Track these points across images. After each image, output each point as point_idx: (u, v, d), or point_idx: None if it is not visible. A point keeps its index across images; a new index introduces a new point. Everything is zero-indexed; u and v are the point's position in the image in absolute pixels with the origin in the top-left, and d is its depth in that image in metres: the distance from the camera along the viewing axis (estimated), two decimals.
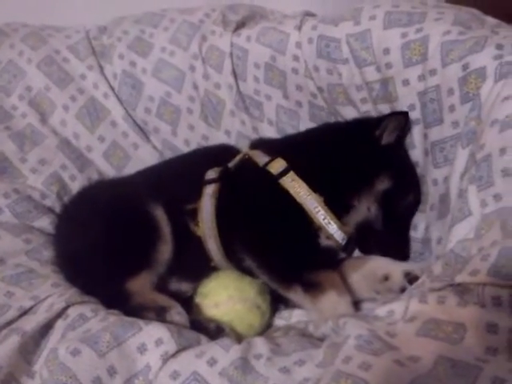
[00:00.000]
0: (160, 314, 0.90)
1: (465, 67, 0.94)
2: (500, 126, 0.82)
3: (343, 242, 1.03)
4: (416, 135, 1.06)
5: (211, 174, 1.09)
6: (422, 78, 1.01)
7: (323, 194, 1.01)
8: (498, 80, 0.89)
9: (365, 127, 1.09)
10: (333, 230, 1.01)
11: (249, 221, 1.03)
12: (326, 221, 1.01)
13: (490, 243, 0.69)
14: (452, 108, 0.97)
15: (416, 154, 1.08)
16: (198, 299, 0.99)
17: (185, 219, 1.06)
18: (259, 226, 1.02)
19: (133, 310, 0.91)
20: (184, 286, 1.05)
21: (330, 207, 1.01)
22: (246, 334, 0.91)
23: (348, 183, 1.05)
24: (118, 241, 1.00)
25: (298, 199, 1.01)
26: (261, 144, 1.17)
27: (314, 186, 1.01)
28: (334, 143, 1.09)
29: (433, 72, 0.99)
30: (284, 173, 1.03)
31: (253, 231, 1.02)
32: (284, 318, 1.02)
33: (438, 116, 1.00)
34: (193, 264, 1.05)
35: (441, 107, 0.99)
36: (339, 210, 1.03)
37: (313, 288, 0.93)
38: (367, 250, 1.08)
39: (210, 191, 1.06)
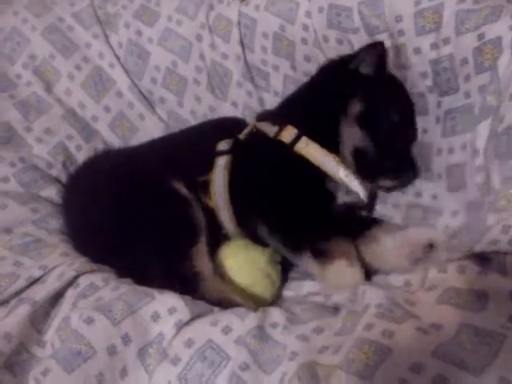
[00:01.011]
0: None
1: (480, 37, 0.93)
2: None
3: (366, 199, 1.03)
4: (430, 102, 1.05)
5: (223, 145, 1.09)
6: (434, 46, 1.00)
7: (331, 147, 1.02)
8: None
9: (343, 62, 1.07)
10: (356, 186, 1.01)
11: (264, 190, 1.01)
12: (347, 178, 1.01)
13: (510, 216, 0.69)
14: (467, 78, 0.96)
15: (427, 120, 1.06)
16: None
17: (197, 191, 1.04)
18: (275, 194, 1.01)
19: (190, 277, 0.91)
20: None
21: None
22: (257, 303, 0.90)
23: (333, 120, 1.05)
24: (161, 218, 0.97)
25: (316, 162, 1.01)
26: (266, 115, 1.15)
27: (325, 143, 1.02)
28: (321, 88, 1.09)
29: (446, 41, 0.98)
30: (297, 139, 1.03)
31: (269, 199, 1.01)
32: (293, 290, 1.00)
33: (452, 85, 0.99)
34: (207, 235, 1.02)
35: (455, 76, 0.98)
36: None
37: (322, 256, 0.92)
38: (373, 179, 1.05)
39: (222, 163, 1.05)
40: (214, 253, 1.00)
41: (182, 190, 1.02)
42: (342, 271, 0.91)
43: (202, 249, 0.96)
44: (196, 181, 1.05)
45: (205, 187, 1.05)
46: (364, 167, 1.03)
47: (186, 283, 0.89)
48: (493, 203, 0.79)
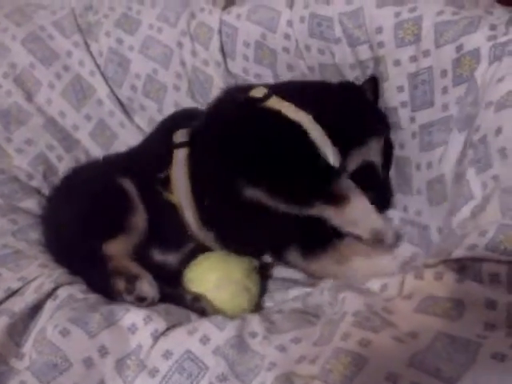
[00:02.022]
0: (130, 281, 0.88)
1: (459, 48, 0.93)
2: (495, 107, 0.81)
3: (337, 164, 1.01)
4: (403, 117, 1.05)
5: (180, 136, 1.05)
6: (413, 59, 1.00)
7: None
8: (492, 62, 0.88)
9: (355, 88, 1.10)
10: (328, 148, 0.99)
11: (250, 153, 0.96)
12: (322, 138, 0.99)
13: (487, 222, 0.69)
14: (444, 90, 0.96)
15: (403, 135, 1.07)
16: (186, 284, 0.98)
17: (158, 188, 1.02)
18: (263, 155, 0.96)
19: (106, 274, 0.89)
20: (169, 258, 1.03)
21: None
22: (237, 315, 0.90)
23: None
24: (93, 211, 0.98)
25: (292, 116, 0.98)
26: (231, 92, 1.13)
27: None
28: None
29: (426, 53, 0.98)
30: (268, 96, 1.01)
31: (258, 162, 0.96)
32: (275, 301, 1.01)
33: (428, 98, 0.99)
34: (172, 233, 1.02)
35: (432, 89, 0.98)
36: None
37: (337, 199, 0.93)
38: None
39: (180, 156, 1.02)
40: (176, 252, 1.01)
41: (128, 190, 1.01)
42: (362, 208, 0.92)
43: (118, 241, 0.96)
44: (156, 178, 1.03)
45: (166, 183, 1.02)
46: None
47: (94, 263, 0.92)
48: (472, 210, 0.80)
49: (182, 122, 1.11)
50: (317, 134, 0.98)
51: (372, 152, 1.07)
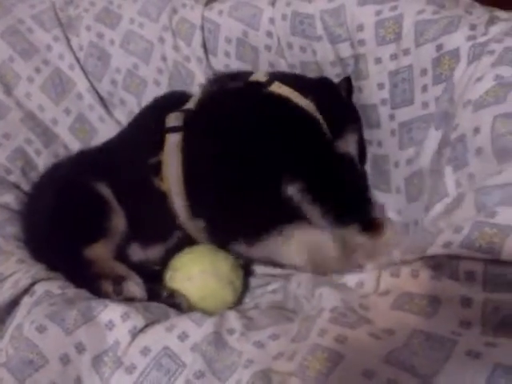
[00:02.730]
0: (117, 283, 0.87)
1: (438, 48, 0.94)
2: (473, 107, 0.82)
3: None
4: (382, 115, 1.06)
5: (173, 120, 1.01)
6: (394, 57, 1.01)
7: None
8: (471, 61, 0.89)
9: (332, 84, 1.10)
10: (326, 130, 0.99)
11: (261, 140, 0.94)
12: (325, 126, 0.99)
13: (462, 218, 0.70)
14: (424, 88, 0.97)
15: (381, 133, 1.07)
16: (170, 272, 0.97)
17: (148, 175, 0.99)
18: (276, 141, 0.93)
19: (91, 279, 0.89)
20: (151, 252, 1.02)
21: None
22: (218, 310, 0.89)
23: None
24: (71, 215, 0.96)
25: (301, 102, 0.99)
26: (222, 79, 1.12)
27: None
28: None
29: (406, 51, 0.99)
30: (270, 81, 1.01)
31: (272, 149, 0.94)
32: (253, 296, 1.01)
33: (408, 96, 1.00)
34: (157, 225, 1.00)
35: (412, 88, 0.99)
36: None
37: (369, 227, 0.91)
38: None
39: (173, 141, 0.98)
40: (160, 245, 1.00)
41: (98, 189, 0.99)
42: (392, 240, 0.89)
43: (99, 245, 0.95)
44: (146, 164, 1.00)
45: (157, 169, 0.99)
46: None
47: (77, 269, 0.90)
48: (446, 207, 0.80)
49: (171, 105, 1.07)
50: (320, 118, 1.00)
51: (349, 145, 1.08)
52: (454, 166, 0.81)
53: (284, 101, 1.00)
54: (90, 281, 0.88)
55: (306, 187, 0.92)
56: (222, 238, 0.98)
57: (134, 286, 0.88)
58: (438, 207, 0.81)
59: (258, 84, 1.02)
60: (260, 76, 1.03)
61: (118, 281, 0.88)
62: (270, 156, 0.94)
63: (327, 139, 1.01)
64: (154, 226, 1.00)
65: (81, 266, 0.91)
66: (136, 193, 1.00)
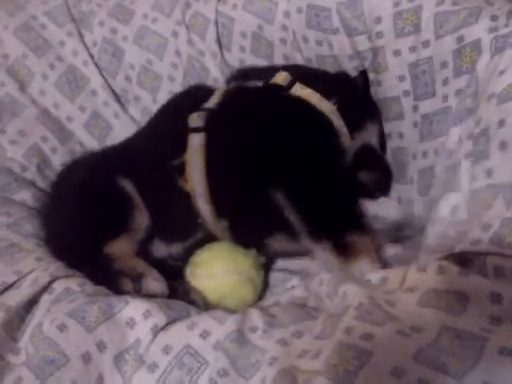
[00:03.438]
0: (136, 281, 0.88)
1: (459, 40, 0.93)
2: (497, 100, 0.80)
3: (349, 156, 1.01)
4: (406, 107, 1.04)
5: (195, 120, 1.01)
6: (413, 49, 0.99)
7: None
8: (494, 54, 0.88)
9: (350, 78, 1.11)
10: (345, 136, 1.00)
11: (275, 149, 0.94)
12: (341, 127, 0.99)
13: (491, 216, 0.69)
14: (445, 81, 0.96)
15: (403, 125, 1.06)
16: (190, 268, 0.96)
17: (171, 175, 0.99)
18: (292, 148, 0.93)
19: (110, 276, 0.89)
20: (173, 249, 1.02)
21: None
22: (238, 307, 0.89)
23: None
24: (94, 213, 0.97)
25: (317, 105, 0.98)
26: (244, 75, 1.12)
27: None
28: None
29: (426, 44, 0.97)
30: (292, 83, 1.00)
31: (287, 155, 0.94)
32: (274, 294, 1.00)
33: (430, 89, 0.98)
34: (181, 221, 1.01)
35: (433, 80, 0.98)
36: None
37: (344, 250, 0.89)
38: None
39: (196, 141, 0.98)
40: (182, 242, 1.00)
41: (123, 186, 1.00)
42: (365, 269, 0.87)
43: (121, 241, 0.95)
44: (170, 165, 0.99)
45: (181, 170, 0.98)
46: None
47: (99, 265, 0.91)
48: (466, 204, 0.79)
49: (192, 101, 1.07)
50: (339, 123, 0.99)
51: (371, 135, 1.08)
52: (473, 160, 0.80)
53: (303, 105, 0.99)
54: (109, 278, 0.88)
55: (289, 195, 0.92)
56: (245, 237, 0.98)
57: (154, 283, 0.88)
58: (452, 200, 0.80)
59: (278, 87, 1.01)
60: (282, 77, 1.02)
61: (137, 278, 0.88)
62: (272, 162, 0.94)
63: (337, 149, 1.00)
64: (177, 224, 1.01)
65: (101, 263, 0.91)
66: (159, 191, 1.00)
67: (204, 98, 1.05)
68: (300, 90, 1.00)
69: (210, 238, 1.01)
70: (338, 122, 1.00)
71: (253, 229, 0.99)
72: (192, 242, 1.01)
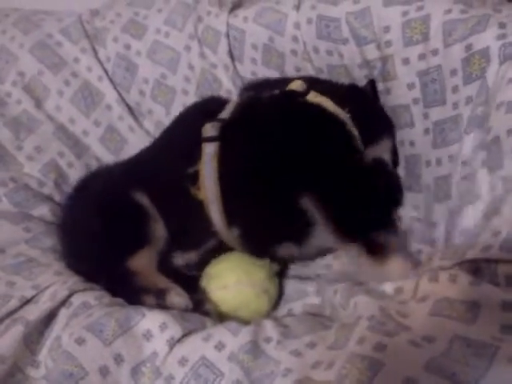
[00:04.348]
0: (160, 297, 0.89)
1: (468, 48, 0.93)
2: (506, 108, 0.81)
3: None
4: (415, 114, 1.05)
5: (209, 130, 1.01)
6: (422, 57, 0.99)
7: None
8: (502, 62, 0.88)
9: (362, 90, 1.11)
10: (360, 147, 0.99)
11: (296, 151, 0.93)
12: (357, 138, 0.99)
13: (501, 222, 0.69)
14: (455, 89, 0.96)
15: (414, 132, 1.06)
16: (205, 280, 0.97)
17: (185, 184, 1.00)
18: (310, 153, 0.93)
19: (134, 293, 0.90)
20: (189, 257, 1.03)
21: None
22: (253, 318, 0.89)
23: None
24: (112, 226, 0.99)
25: (334, 111, 0.98)
26: (257, 87, 1.13)
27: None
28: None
29: (435, 52, 0.97)
30: (307, 91, 1.00)
31: (305, 161, 0.93)
32: (288, 302, 1.00)
33: (439, 96, 0.99)
34: (195, 230, 1.01)
35: (443, 88, 0.98)
36: None
37: (376, 250, 0.90)
38: None
39: (210, 151, 0.98)
40: (196, 250, 1.01)
41: (138, 199, 1.01)
42: (398, 268, 0.87)
43: (142, 255, 0.97)
44: (184, 173, 1.00)
45: (194, 178, 0.99)
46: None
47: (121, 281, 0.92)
48: (482, 211, 0.79)
49: (207, 112, 1.08)
50: (354, 131, 0.99)
51: (383, 150, 1.07)
52: (489, 169, 0.80)
53: (320, 110, 0.99)
54: (132, 294, 0.90)
55: (319, 200, 0.92)
56: (257, 246, 0.99)
57: (177, 298, 0.89)
58: (472, 211, 0.80)
59: (294, 93, 1.02)
60: (297, 85, 1.03)
61: (160, 295, 0.90)
62: (297, 166, 0.94)
63: (356, 153, 1.00)
64: (190, 232, 1.01)
65: (123, 279, 0.93)
66: (173, 201, 1.01)
67: (218, 109, 1.05)
68: (315, 97, 1.00)
69: (223, 246, 1.01)
70: (353, 129, 1.00)
71: (264, 237, 0.99)
72: (206, 249, 1.02)
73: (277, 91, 1.04)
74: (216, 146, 0.99)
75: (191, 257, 1.03)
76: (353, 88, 1.10)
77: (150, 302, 0.89)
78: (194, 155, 0.99)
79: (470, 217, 0.81)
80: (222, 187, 0.97)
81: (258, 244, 0.99)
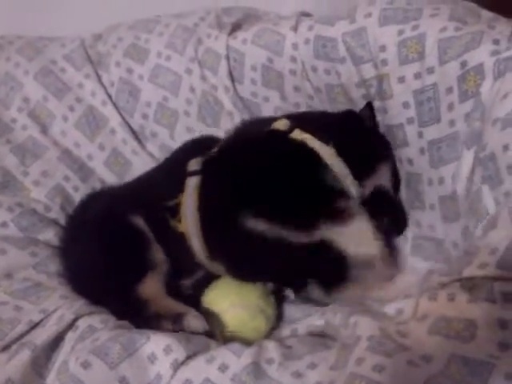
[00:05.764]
0: (177, 321, 0.90)
1: (463, 65, 0.94)
2: (501, 124, 0.82)
3: (358, 199, 1.01)
4: (410, 134, 1.05)
5: (193, 164, 1.04)
6: (418, 75, 1.01)
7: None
8: (497, 77, 0.89)
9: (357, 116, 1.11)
10: (351, 182, 0.99)
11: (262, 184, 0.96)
12: (344, 172, 0.99)
13: (498, 239, 0.70)
14: (451, 106, 0.96)
15: (410, 152, 1.07)
16: (203, 306, 0.99)
17: (166, 217, 1.02)
18: (278, 185, 0.95)
19: (149, 320, 0.91)
20: (184, 283, 1.05)
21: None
22: (255, 338, 0.91)
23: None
24: (113, 253, 0.99)
25: (315, 147, 0.98)
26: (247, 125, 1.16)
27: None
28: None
29: (430, 70, 0.98)
30: (291, 129, 1.01)
31: (270, 193, 0.95)
32: (290, 322, 1.01)
33: (434, 115, 0.99)
34: (182, 260, 1.02)
35: (438, 106, 0.98)
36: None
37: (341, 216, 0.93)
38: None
39: (192, 184, 1.01)
40: (189, 278, 1.03)
41: (137, 223, 1.02)
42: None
43: (150, 280, 0.97)
44: (164, 205, 1.02)
45: (175, 211, 1.01)
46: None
47: (134, 310, 0.93)
48: (484, 227, 0.80)
49: (197, 150, 1.11)
50: (339, 167, 0.99)
51: (382, 177, 1.08)
52: (490, 185, 0.81)
53: (297, 148, 0.99)
54: (148, 321, 0.90)
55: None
56: (243, 278, 1.00)
57: (194, 321, 0.90)
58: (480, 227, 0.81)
59: (277, 132, 1.03)
60: (281, 124, 1.04)
61: (177, 319, 0.90)
62: (269, 202, 0.95)
63: (331, 190, 0.99)
64: (179, 262, 1.03)
65: (137, 307, 0.94)
66: (162, 230, 1.03)
67: (210, 147, 1.08)
68: (299, 135, 1.01)
69: (213, 275, 1.03)
70: (338, 166, 0.99)
71: (248, 271, 0.99)
72: (197, 278, 1.03)
73: (262, 130, 1.06)
74: (198, 179, 1.01)
75: (187, 283, 1.04)
76: (347, 116, 1.11)
77: (166, 327, 0.89)
78: (178, 189, 1.02)
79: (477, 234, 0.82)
80: (202, 220, 0.98)
81: (244, 277, 1.00)
